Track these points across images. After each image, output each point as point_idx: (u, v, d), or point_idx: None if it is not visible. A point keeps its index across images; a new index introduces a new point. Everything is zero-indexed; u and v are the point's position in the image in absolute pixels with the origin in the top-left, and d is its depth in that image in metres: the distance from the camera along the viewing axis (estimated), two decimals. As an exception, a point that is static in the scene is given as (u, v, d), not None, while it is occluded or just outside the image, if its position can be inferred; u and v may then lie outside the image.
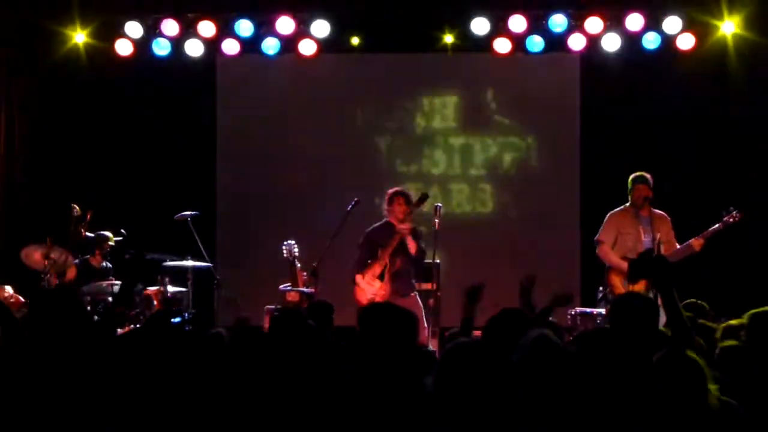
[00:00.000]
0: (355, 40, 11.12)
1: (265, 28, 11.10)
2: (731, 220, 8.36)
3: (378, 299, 8.42)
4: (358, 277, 8.80)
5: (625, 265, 8.35)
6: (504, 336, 4.50)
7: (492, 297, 5.63)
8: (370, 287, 8.72)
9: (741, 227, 8.52)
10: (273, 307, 9.09)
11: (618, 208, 8.72)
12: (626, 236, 8.55)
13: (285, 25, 11.02)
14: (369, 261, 8.79)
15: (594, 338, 4.39)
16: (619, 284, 8.46)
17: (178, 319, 8.82)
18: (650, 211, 8.49)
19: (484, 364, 3.39)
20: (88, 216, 9.69)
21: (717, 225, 8.42)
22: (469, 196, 11.59)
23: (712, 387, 3.78)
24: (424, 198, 8.95)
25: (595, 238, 8.75)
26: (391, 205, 8.84)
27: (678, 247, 8.49)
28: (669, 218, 8.63)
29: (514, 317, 4.75)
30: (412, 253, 8.72)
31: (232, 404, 4.11)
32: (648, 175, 8.57)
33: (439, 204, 9.10)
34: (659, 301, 4.62)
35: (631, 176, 8.63)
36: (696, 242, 8.40)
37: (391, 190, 8.98)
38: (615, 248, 8.58)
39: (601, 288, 8.88)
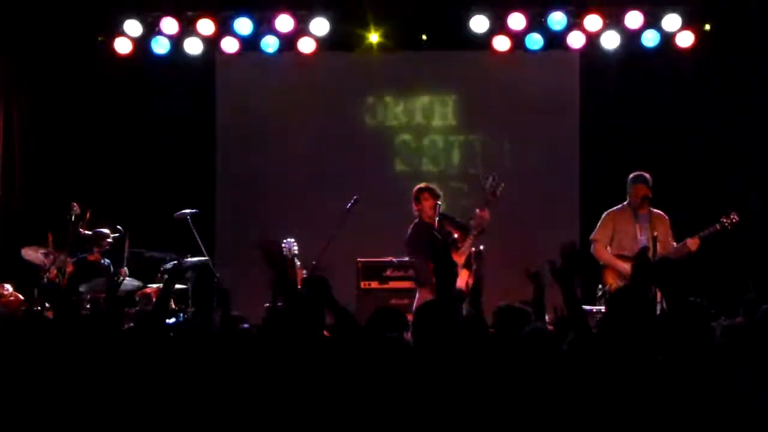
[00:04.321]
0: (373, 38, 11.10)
1: (264, 26, 11.11)
2: (728, 222, 8.35)
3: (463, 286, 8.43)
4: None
5: (619, 263, 8.45)
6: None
7: (492, 296, 5.64)
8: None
9: (741, 227, 8.52)
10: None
11: (615, 207, 8.74)
12: (623, 235, 8.57)
13: (284, 23, 11.04)
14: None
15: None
16: (613, 282, 8.48)
17: (174, 320, 8.87)
18: (649, 210, 8.50)
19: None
20: (88, 215, 9.70)
21: (714, 226, 8.42)
22: (469, 194, 11.57)
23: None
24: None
25: (590, 237, 8.78)
26: (420, 203, 8.90)
27: (675, 246, 8.51)
28: (667, 218, 8.63)
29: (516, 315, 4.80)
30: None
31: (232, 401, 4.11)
32: (647, 175, 8.59)
33: (439, 202, 9.11)
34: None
35: (630, 176, 8.65)
36: (692, 242, 8.41)
37: (415, 188, 9.02)
38: (612, 247, 8.61)
39: (600, 286, 8.90)
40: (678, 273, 4.27)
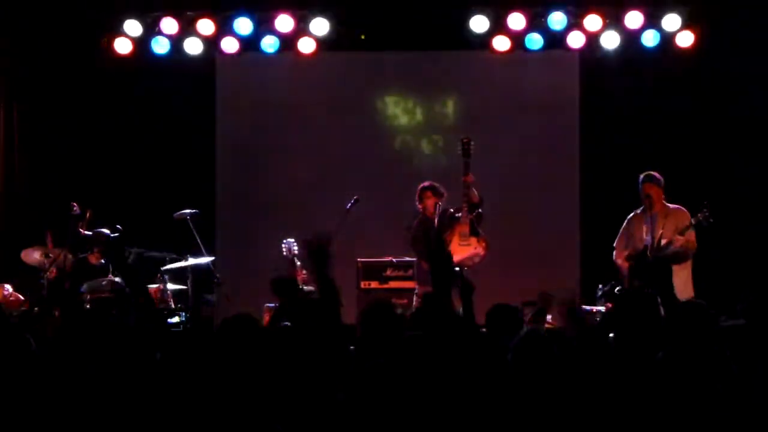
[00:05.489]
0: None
1: (264, 26, 11.11)
2: (701, 217, 8.29)
3: (480, 257, 8.67)
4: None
5: (625, 266, 8.46)
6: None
7: (492, 296, 5.65)
8: (468, 248, 8.73)
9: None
10: (273, 305, 9.10)
11: (635, 211, 8.76)
12: (634, 237, 8.64)
13: (284, 23, 11.03)
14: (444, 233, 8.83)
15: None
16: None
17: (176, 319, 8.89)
18: (660, 208, 8.51)
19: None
20: (88, 215, 9.71)
21: (690, 220, 8.40)
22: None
23: None
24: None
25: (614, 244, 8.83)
26: (423, 201, 9.07)
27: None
28: (685, 211, 8.58)
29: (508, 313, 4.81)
30: (476, 201, 8.91)
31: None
32: (653, 173, 8.61)
33: (440, 202, 9.12)
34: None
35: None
36: (677, 238, 8.38)
37: (419, 186, 9.18)
38: (629, 249, 8.65)
39: (600, 285, 8.92)
40: (666, 273, 4.28)
